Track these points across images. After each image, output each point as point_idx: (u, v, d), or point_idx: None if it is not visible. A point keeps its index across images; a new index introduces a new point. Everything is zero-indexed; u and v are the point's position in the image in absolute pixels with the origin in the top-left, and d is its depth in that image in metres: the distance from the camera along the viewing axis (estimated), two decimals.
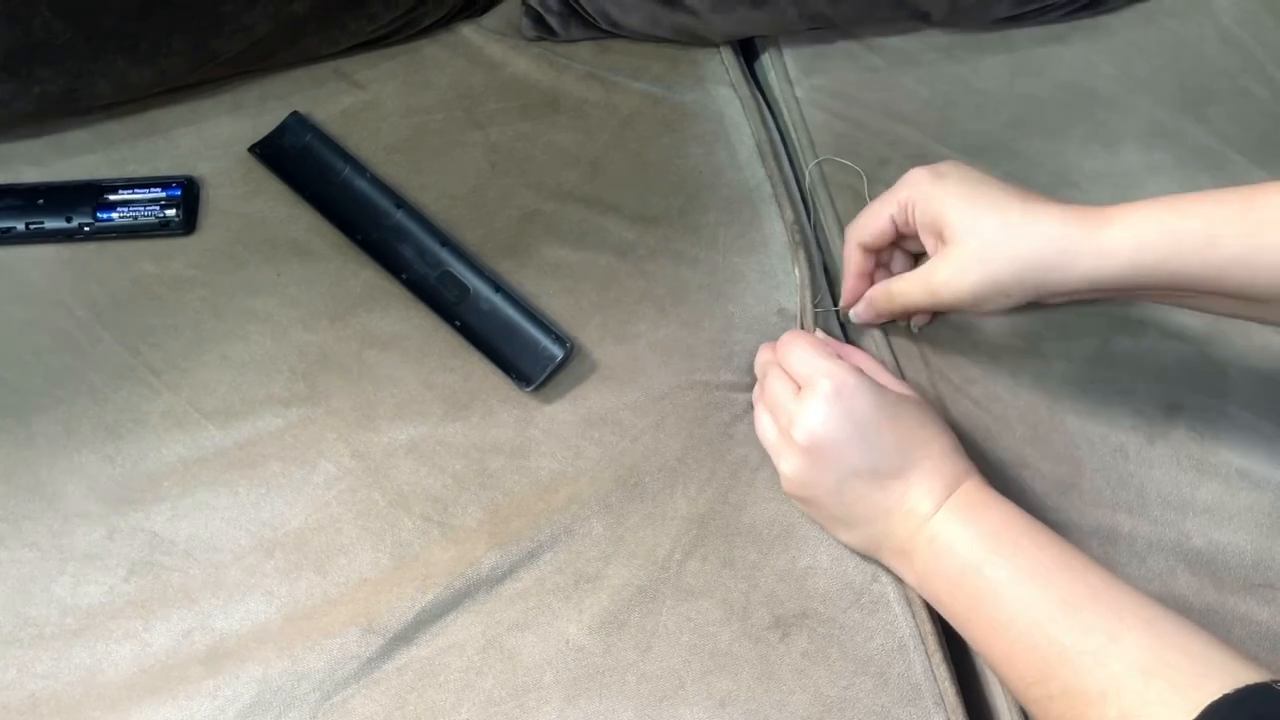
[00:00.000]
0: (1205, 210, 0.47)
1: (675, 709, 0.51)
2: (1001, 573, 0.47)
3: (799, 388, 0.52)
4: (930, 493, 0.50)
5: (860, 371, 0.52)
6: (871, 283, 0.59)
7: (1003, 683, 0.50)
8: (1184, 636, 0.42)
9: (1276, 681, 0.38)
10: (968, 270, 0.51)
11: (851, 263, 0.59)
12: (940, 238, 0.53)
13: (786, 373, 0.54)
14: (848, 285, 0.60)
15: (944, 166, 0.54)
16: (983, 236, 0.50)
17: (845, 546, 0.55)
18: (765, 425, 0.55)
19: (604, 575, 0.54)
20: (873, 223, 0.56)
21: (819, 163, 0.67)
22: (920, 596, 0.53)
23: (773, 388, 0.54)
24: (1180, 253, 0.47)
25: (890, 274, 0.60)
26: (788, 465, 0.52)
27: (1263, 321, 0.51)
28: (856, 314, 0.60)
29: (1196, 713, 0.38)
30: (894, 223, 0.55)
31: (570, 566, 0.54)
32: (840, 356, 0.53)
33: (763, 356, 0.57)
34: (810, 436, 0.50)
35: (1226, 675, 0.39)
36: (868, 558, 0.55)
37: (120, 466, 0.55)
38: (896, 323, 0.62)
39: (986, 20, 0.73)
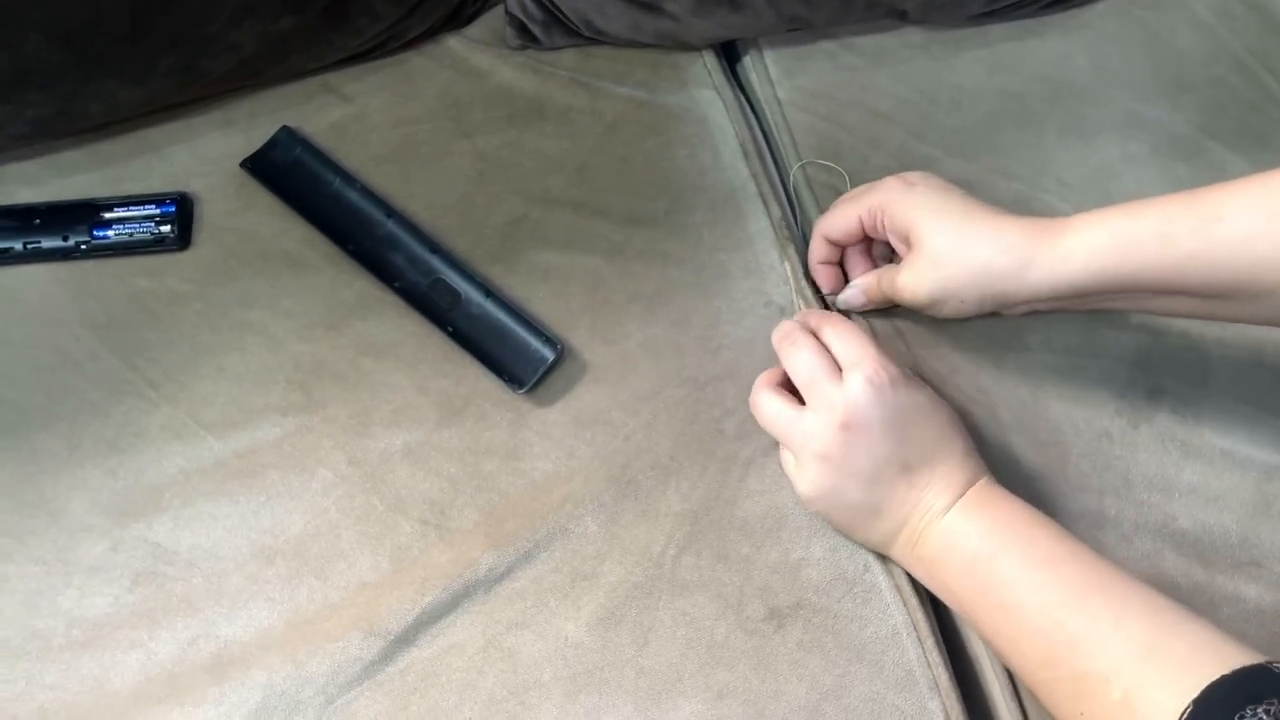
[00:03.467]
0: (1156, 211, 0.49)
1: (674, 702, 0.52)
2: (1012, 562, 0.49)
3: (837, 367, 0.52)
4: (947, 490, 0.51)
5: (900, 366, 0.53)
6: (839, 271, 0.62)
7: (1010, 667, 0.51)
8: (1183, 623, 0.44)
9: (1272, 663, 0.40)
10: (925, 276, 0.54)
11: (817, 252, 0.61)
12: (907, 242, 0.55)
13: (825, 349, 0.54)
14: (818, 272, 0.62)
15: (915, 176, 0.56)
16: (943, 243, 0.53)
17: (857, 542, 0.55)
18: (775, 404, 0.54)
19: (600, 573, 0.55)
20: (841, 221, 0.59)
21: (802, 165, 0.68)
22: (924, 587, 0.54)
23: (811, 362, 0.53)
24: (1134, 254, 0.49)
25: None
26: (819, 446, 0.51)
27: (1227, 319, 0.52)
28: (847, 300, 0.62)
29: (1195, 693, 0.40)
30: (862, 224, 0.58)
31: (566, 565, 0.55)
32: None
33: (787, 328, 0.56)
34: (855, 416, 0.50)
35: (1223, 658, 0.41)
36: (860, 548, 0.56)
37: (122, 480, 0.56)
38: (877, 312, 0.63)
39: (962, 17, 0.74)
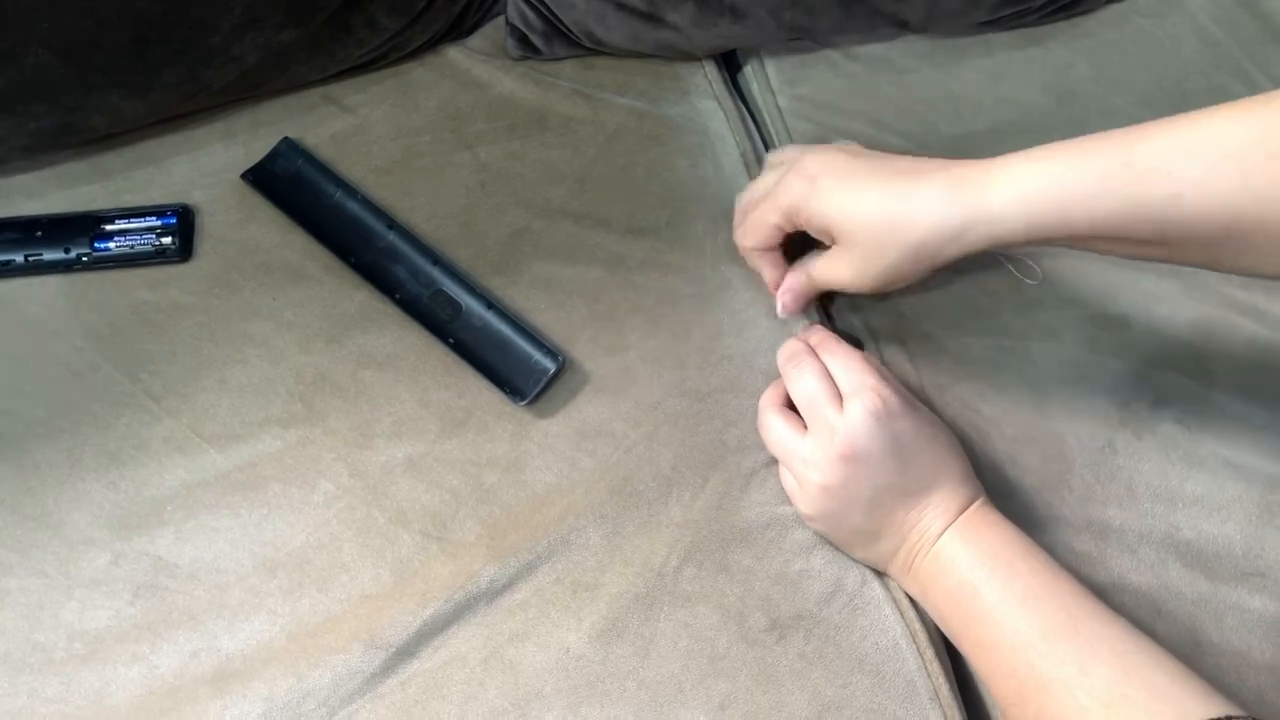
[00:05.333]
0: (1089, 165, 0.46)
1: (676, 713, 0.52)
2: (993, 595, 0.49)
3: (838, 393, 0.53)
4: (944, 514, 0.52)
5: (901, 391, 0.53)
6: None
7: (990, 693, 0.53)
8: (1150, 670, 0.45)
9: (1233, 717, 0.41)
10: (859, 270, 0.52)
11: (762, 265, 0.59)
12: (831, 237, 0.53)
13: (827, 373, 0.54)
14: (787, 299, 0.59)
15: (813, 165, 0.53)
16: (870, 235, 0.51)
17: (856, 559, 0.56)
18: (780, 426, 0.54)
19: (601, 584, 0.55)
20: (760, 231, 0.56)
21: None
22: (921, 606, 0.55)
23: (814, 387, 0.53)
24: (1068, 207, 0.46)
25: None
26: (819, 476, 0.52)
27: (1155, 259, 0.49)
28: (784, 307, 0.59)
29: None
30: (780, 229, 0.56)
31: (568, 576, 0.55)
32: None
33: (792, 348, 0.56)
34: (854, 447, 0.51)
35: (1184, 709, 0.42)
36: (859, 560, 0.56)
37: (123, 492, 0.56)
38: (883, 327, 0.63)
39: (964, 26, 0.73)
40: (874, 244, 0.51)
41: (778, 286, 0.59)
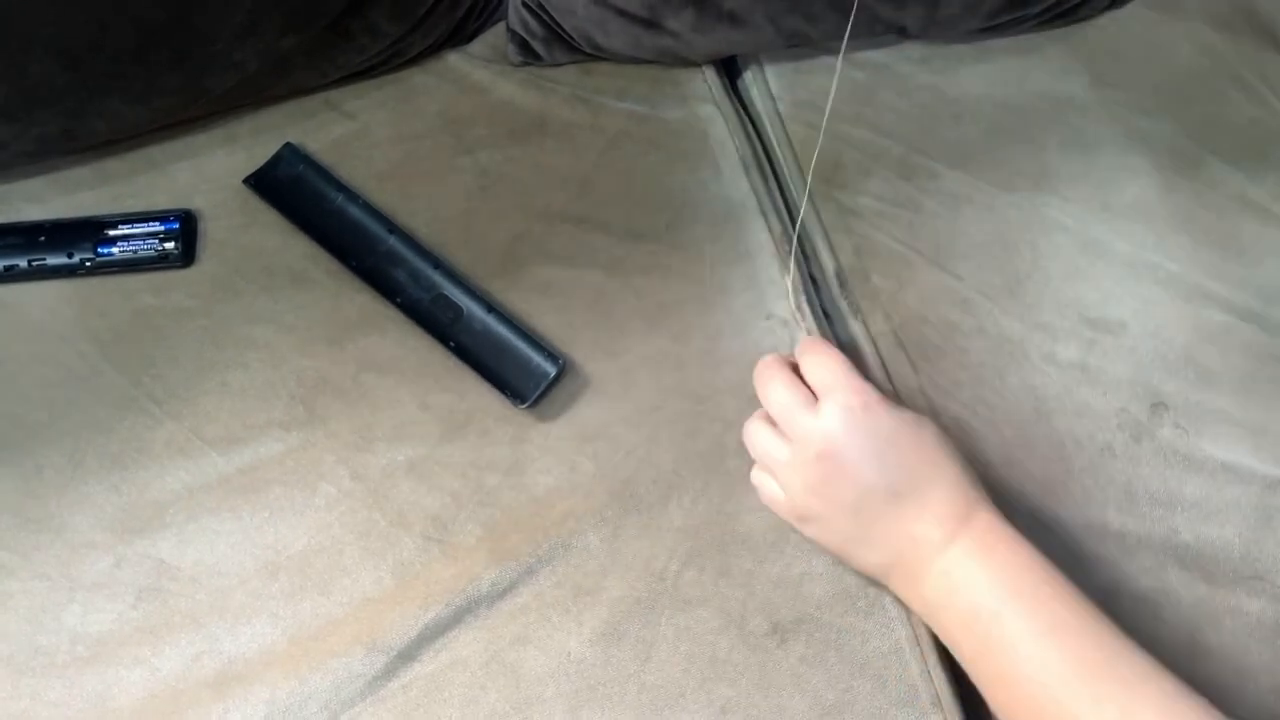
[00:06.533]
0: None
1: (676, 717, 0.52)
2: (1017, 624, 0.46)
3: (813, 397, 0.51)
4: (942, 521, 0.49)
5: (879, 390, 0.51)
6: None
7: None
8: (1195, 715, 0.42)
9: None
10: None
11: None
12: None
13: (800, 380, 0.52)
14: None
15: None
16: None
17: (854, 569, 0.54)
18: (762, 435, 0.53)
19: (602, 588, 0.55)
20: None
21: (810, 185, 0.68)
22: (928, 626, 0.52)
23: (784, 395, 0.52)
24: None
25: None
26: (796, 478, 0.51)
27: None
28: None
29: None
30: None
31: (569, 580, 0.55)
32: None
33: (762, 364, 0.55)
34: (827, 447, 0.49)
35: None
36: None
37: (126, 496, 0.56)
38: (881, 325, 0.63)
39: (962, 32, 0.74)
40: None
41: None
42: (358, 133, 0.68)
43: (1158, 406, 0.61)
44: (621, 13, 0.68)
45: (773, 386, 0.53)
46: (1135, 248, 0.66)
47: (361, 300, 0.62)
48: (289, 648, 0.52)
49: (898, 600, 0.55)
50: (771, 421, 0.54)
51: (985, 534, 0.48)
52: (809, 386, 0.52)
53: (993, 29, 0.74)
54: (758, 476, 0.55)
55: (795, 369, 0.54)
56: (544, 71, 0.72)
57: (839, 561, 0.55)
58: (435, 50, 0.72)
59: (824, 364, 0.52)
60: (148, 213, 0.63)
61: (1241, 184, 0.68)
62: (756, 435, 0.54)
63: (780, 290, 0.64)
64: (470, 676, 0.52)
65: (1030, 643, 0.45)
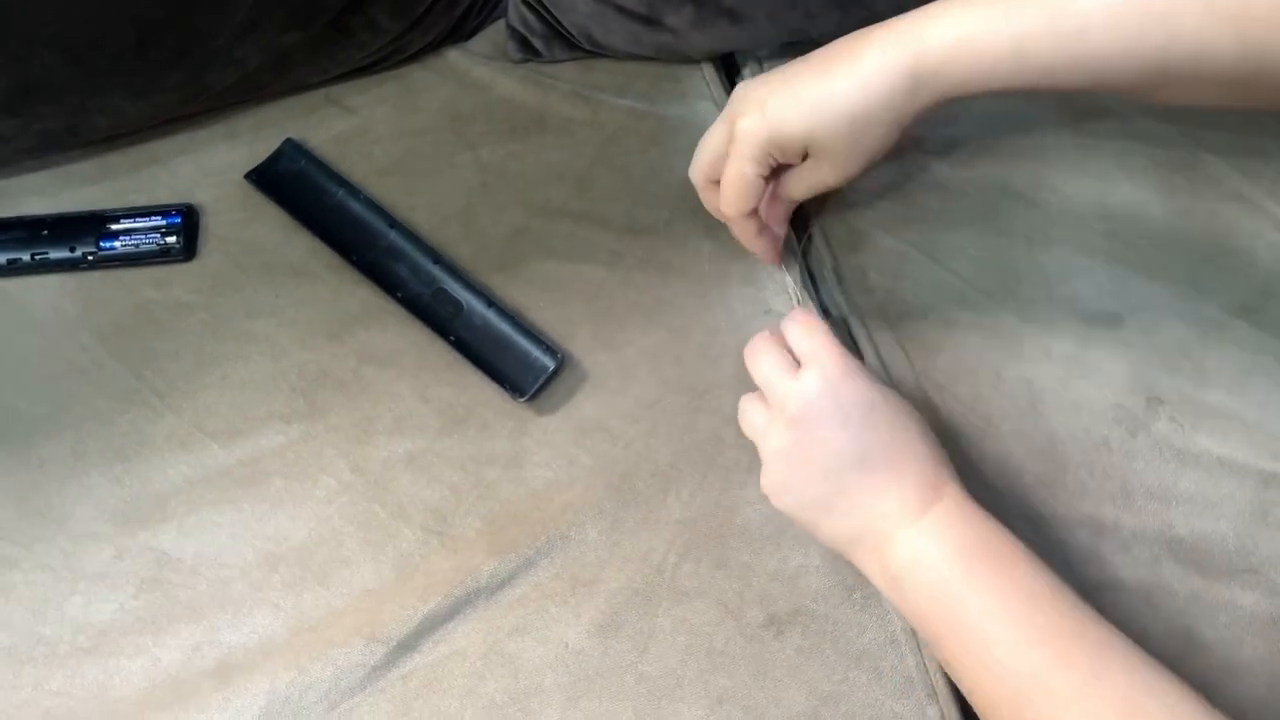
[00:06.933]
0: (1013, 27, 0.47)
1: (674, 708, 0.52)
2: (984, 593, 0.46)
3: (797, 366, 0.52)
4: (910, 497, 0.49)
5: (860, 362, 0.52)
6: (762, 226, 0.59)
7: (970, 701, 0.48)
8: (1161, 684, 0.42)
9: None
10: (845, 166, 0.53)
11: (748, 229, 0.58)
12: (804, 155, 0.54)
13: (786, 350, 0.53)
14: (763, 246, 0.60)
15: (756, 95, 0.53)
16: (840, 137, 0.51)
17: (820, 541, 0.53)
18: (752, 409, 0.54)
19: (600, 580, 0.55)
20: (742, 187, 0.55)
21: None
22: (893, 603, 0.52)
23: (768, 364, 0.53)
24: (995, 72, 0.48)
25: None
26: (775, 441, 0.51)
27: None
28: (766, 254, 0.60)
29: None
30: (762, 176, 0.55)
31: (567, 572, 0.55)
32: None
33: (753, 340, 0.56)
34: (803, 410, 0.50)
35: None
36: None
37: (128, 488, 0.56)
38: (879, 324, 0.64)
39: None
40: (846, 142, 0.51)
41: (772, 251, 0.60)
42: (359, 128, 0.69)
43: (1153, 401, 0.61)
44: (621, 10, 0.68)
45: (759, 358, 0.53)
46: (1130, 244, 0.66)
47: (362, 295, 0.62)
48: (289, 638, 0.53)
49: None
50: (761, 398, 0.54)
51: (953, 509, 0.49)
52: (795, 359, 0.53)
53: None
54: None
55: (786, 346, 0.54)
56: (544, 68, 0.72)
57: (809, 534, 0.54)
58: (436, 47, 0.72)
59: (808, 333, 0.53)
60: (150, 207, 0.64)
61: (1237, 181, 0.69)
62: (745, 410, 0.55)
63: (778, 285, 0.64)
64: (469, 667, 0.53)
65: (1000, 609, 0.45)
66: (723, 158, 0.55)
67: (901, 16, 0.50)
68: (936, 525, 0.48)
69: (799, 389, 0.50)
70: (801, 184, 0.56)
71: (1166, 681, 0.42)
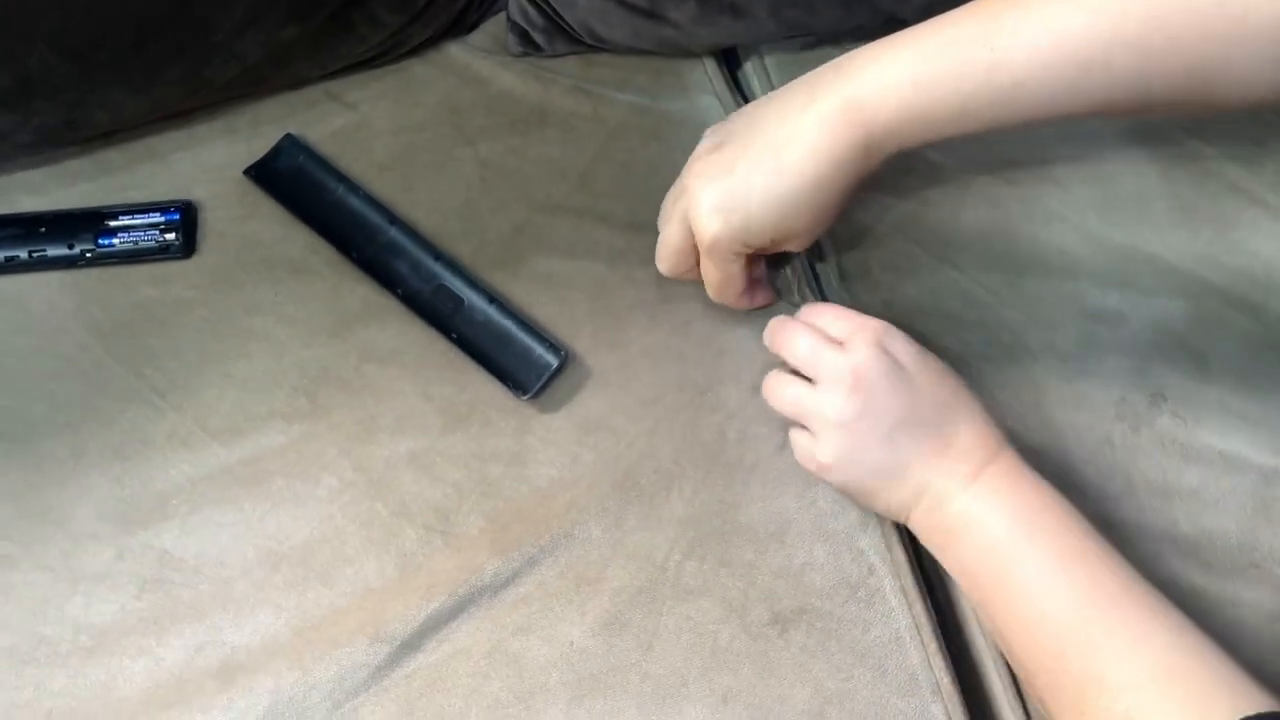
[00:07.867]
0: (950, 79, 0.47)
1: (678, 706, 0.52)
2: (1036, 552, 0.48)
3: (837, 344, 0.52)
4: (970, 456, 0.50)
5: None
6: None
7: (1011, 658, 0.51)
8: (1204, 652, 0.43)
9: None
10: (814, 234, 0.55)
11: (741, 302, 0.59)
12: None
13: (818, 331, 0.54)
14: (758, 301, 0.61)
15: (712, 196, 0.53)
16: (808, 224, 0.53)
17: (878, 511, 0.54)
18: (789, 383, 0.54)
19: (604, 578, 0.55)
20: (738, 281, 0.57)
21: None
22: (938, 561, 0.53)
23: (806, 341, 0.53)
24: (943, 130, 0.49)
25: None
26: (834, 412, 0.50)
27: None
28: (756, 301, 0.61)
29: None
30: (742, 266, 0.56)
31: (571, 570, 0.55)
32: None
33: (774, 323, 0.56)
34: (864, 378, 0.50)
35: (1240, 698, 0.40)
36: (863, 553, 0.56)
37: (128, 487, 0.56)
38: None
39: None
40: (811, 222, 0.53)
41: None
42: (358, 124, 0.68)
43: (1156, 397, 0.61)
44: (622, 4, 0.68)
45: (794, 336, 0.54)
46: (1133, 239, 0.66)
47: (363, 291, 0.62)
48: (292, 638, 0.53)
49: (901, 588, 0.55)
50: (791, 374, 0.54)
51: (1009, 471, 0.50)
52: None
53: None
54: (794, 434, 0.55)
55: None
56: (545, 62, 0.72)
57: (844, 540, 0.55)
58: (436, 41, 0.72)
59: (839, 315, 0.54)
60: (148, 203, 0.63)
61: (1238, 174, 0.68)
62: (782, 387, 0.54)
63: (782, 282, 0.64)
64: (473, 666, 0.53)
65: (1049, 567, 0.47)
66: (686, 253, 0.56)
67: (836, 74, 0.50)
68: (995, 487, 0.50)
69: (855, 358, 0.51)
70: (775, 252, 0.57)
71: (1210, 649, 0.43)
